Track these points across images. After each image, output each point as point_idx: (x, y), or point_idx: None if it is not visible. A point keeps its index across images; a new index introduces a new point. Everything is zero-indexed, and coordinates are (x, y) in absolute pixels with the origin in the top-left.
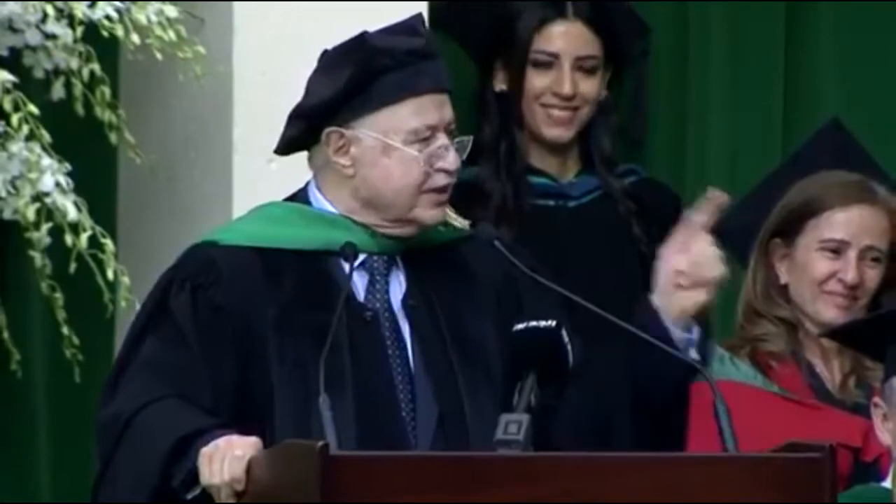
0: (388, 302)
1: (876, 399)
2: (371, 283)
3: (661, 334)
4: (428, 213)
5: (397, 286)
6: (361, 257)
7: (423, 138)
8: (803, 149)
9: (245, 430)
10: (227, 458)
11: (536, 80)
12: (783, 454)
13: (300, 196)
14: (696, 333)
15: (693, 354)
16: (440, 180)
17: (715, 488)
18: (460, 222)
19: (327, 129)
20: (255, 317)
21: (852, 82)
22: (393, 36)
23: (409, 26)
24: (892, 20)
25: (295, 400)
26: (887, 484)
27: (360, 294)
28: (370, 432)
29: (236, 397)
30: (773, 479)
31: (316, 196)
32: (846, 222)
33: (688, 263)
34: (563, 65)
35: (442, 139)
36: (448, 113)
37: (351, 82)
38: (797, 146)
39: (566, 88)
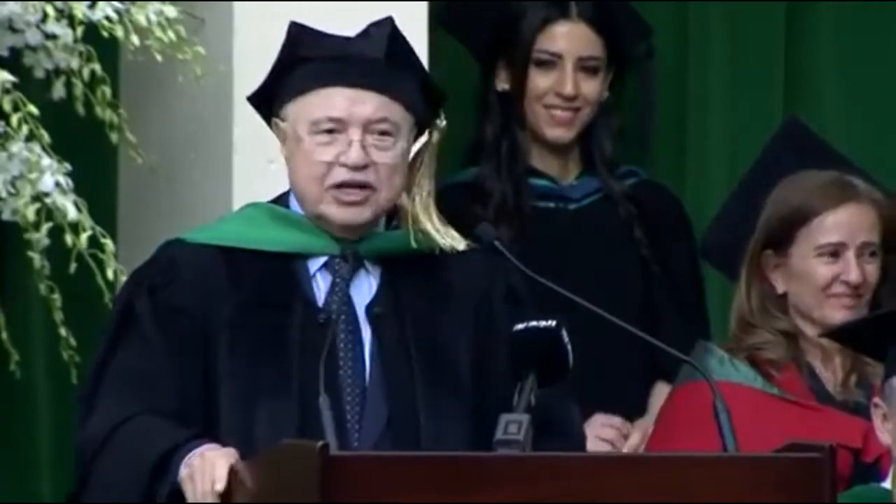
0: (349, 305)
1: (876, 399)
2: (332, 285)
3: None
4: (332, 209)
5: (365, 290)
6: (324, 259)
7: (326, 130)
8: (766, 153)
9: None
10: (206, 471)
11: (539, 80)
12: (783, 454)
13: (283, 197)
14: None
15: None
16: (341, 175)
17: (715, 488)
18: (450, 242)
19: (273, 120)
20: (211, 315)
21: (852, 82)
22: (335, 34)
23: (368, 27)
24: (892, 20)
25: (241, 395)
26: (887, 484)
27: (320, 296)
28: (310, 434)
29: (203, 394)
30: (773, 480)
31: (292, 197)
32: (838, 224)
33: None
34: (565, 65)
35: (353, 135)
36: (366, 111)
37: (273, 70)
38: (759, 151)
39: (568, 89)
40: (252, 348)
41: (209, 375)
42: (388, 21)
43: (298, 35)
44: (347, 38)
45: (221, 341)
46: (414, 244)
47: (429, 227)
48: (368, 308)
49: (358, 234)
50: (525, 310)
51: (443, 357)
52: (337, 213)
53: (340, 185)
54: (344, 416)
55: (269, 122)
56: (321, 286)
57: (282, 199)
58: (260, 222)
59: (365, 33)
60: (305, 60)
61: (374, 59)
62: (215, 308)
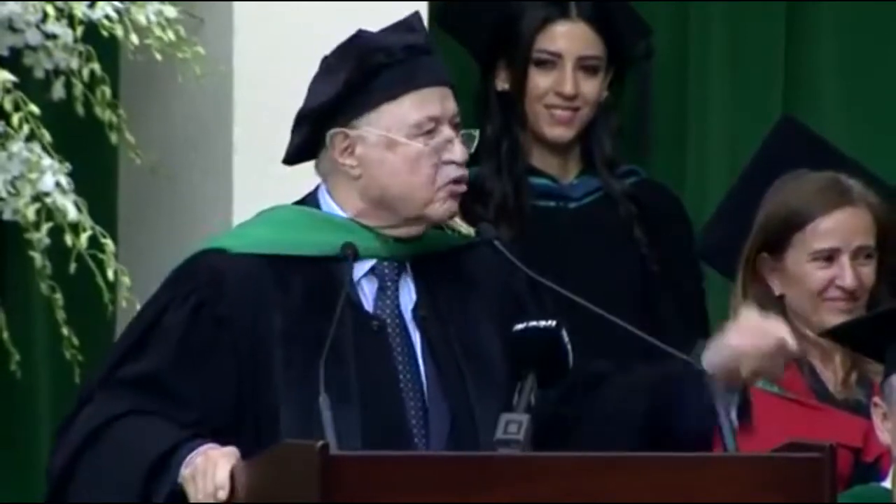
0: (398, 309)
1: (876, 399)
2: (381, 289)
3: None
4: (444, 206)
5: (407, 294)
6: (371, 263)
7: (426, 131)
8: (763, 151)
9: (245, 441)
10: (208, 472)
11: (539, 80)
12: (783, 454)
13: (309, 200)
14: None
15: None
16: (451, 172)
17: (715, 488)
18: (466, 228)
19: (331, 132)
20: (261, 325)
21: (852, 82)
22: (389, 33)
23: (405, 24)
24: (893, 20)
25: (300, 407)
26: (887, 484)
27: (369, 302)
28: (376, 442)
29: (235, 410)
30: (773, 479)
31: (326, 200)
32: (832, 230)
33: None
34: (565, 65)
35: (447, 132)
36: (451, 106)
37: (349, 81)
38: (755, 150)
39: (568, 88)
40: (307, 359)
41: (262, 388)
42: (419, 14)
43: (371, 43)
44: (400, 33)
45: (276, 354)
46: (450, 231)
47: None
48: (414, 311)
49: (412, 233)
50: (543, 297)
51: (483, 355)
52: (445, 208)
53: (454, 182)
54: (408, 422)
55: (318, 135)
56: (366, 291)
57: (308, 202)
58: (300, 225)
59: (410, 27)
60: (382, 66)
61: (433, 54)
62: (265, 319)
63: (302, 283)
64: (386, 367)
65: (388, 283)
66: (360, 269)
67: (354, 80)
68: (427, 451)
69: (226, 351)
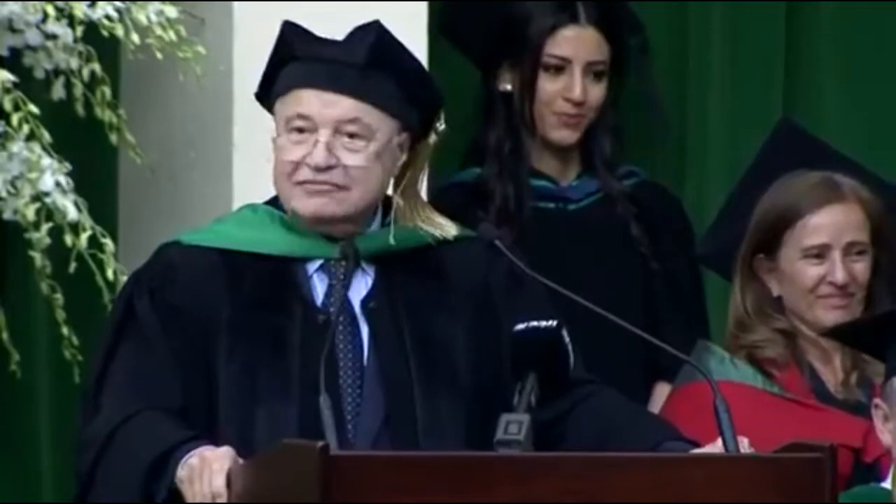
0: (349, 305)
1: (877, 400)
2: (331, 285)
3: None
4: (300, 203)
5: (362, 289)
6: (320, 262)
7: (297, 128)
8: (762, 155)
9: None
10: (205, 475)
11: (547, 85)
12: (783, 454)
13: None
14: None
15: None
16: (304, 174)
17: (715, 488)
18: (445, 231)
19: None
20: (210, 317)
21: (852, 82)
22: (325, 37)
23: (356, 31)
24: (893, 20)
25: (240, 402)
26: (887, 484)
27: (319, 298)
28: (310, 435)
29: (207, 394)
30: (773, 479)
31: None
32: (821, 226)
33: None
34: (574, 70)
35: (322, 136)
36: (338, 113)
37: (267, 66)
38: (755, 153)
39: (577, 94)
40: (251, 351)
41: (209, 378)
42: (375, 26)
43: (289, 35)
44: (332, 42)
45: (220, 344)
46: (392, 241)
47: (417, 221)
48: (363, 304)
49: (343, 232)
50: (528, 289)
51: (438, 348)
52: (303, 205)
53: (308, 182)
54: (343, 414)
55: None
56: (319, 287)
57: (278, 200)
58: (256, 224)
59: (350, 37)
60: (294, 60)
61: (351, 63)
62: (214, 310)
63: (253, 280)
64: (328, 362)
65: (338, 280)
66: (314, 265)
67: (269, 67)
68: (355, 443)
69: (181, 338)
